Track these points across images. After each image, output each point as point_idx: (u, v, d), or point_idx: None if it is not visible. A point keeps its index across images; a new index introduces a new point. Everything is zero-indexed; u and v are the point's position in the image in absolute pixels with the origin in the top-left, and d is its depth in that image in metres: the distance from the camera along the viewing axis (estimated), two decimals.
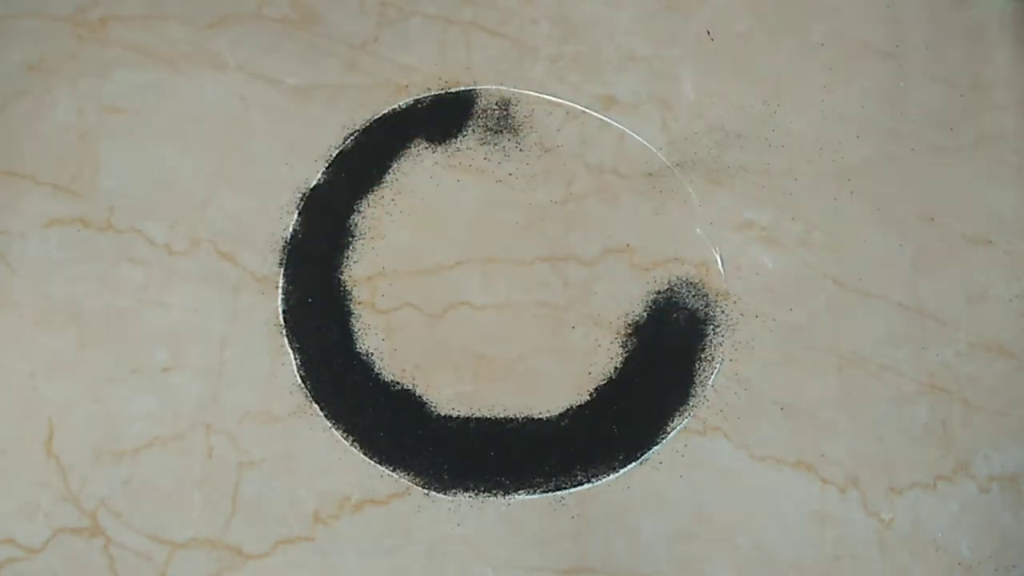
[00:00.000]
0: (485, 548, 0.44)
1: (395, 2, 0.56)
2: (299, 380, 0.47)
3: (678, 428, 0.47)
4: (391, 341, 0.48)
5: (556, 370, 0.48)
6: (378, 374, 0.48)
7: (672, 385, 0.48)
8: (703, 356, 0.48)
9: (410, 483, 0.45)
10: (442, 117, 0.53)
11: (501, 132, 0.53)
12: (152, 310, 0.49)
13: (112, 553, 0.44)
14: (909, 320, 0.49)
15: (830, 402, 0.47)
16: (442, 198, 0.52)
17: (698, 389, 0.48)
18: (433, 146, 0.53)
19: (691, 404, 0.47)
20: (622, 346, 0.48)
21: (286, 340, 0.48)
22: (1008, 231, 0.51)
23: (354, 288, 0.50)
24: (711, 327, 0.49)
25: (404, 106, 0.54)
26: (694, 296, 0.50)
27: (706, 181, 0.52)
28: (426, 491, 0.45)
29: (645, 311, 0.49)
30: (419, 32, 0.56)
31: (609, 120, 0.54)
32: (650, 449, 0.46)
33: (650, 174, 0.52)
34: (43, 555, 0.44)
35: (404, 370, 0.48)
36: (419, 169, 0.52)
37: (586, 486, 0.46)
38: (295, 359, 0.48)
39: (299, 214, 0.51)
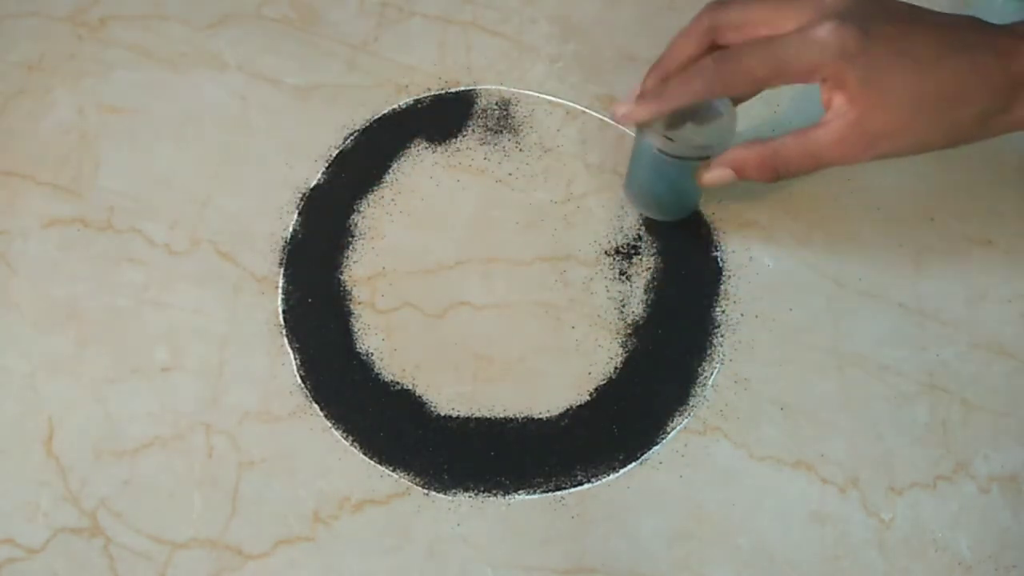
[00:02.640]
0: (485, 548, 0.44)
1: (395, 2, 0.56)
2: (299, 380, 0.47)
3: (678, 428, 0.47)
4: (391, 341, 0.48)
5: (556, 370, 0.48)
6: (378, 374, 0.48)
7: (672, 385, 0.48)
8: (703, 356, 0.48)
9: (410, 483, 0.45)
10: (442, 117, 0.54)
11: (501, 132, 0.53)
12: (152, 310, 0.49)
13: (112, 553, 0.44)
14: (909, 320, 0.49)
15: (830, 402, 0.47)
16: (442, 198, 0.52)
17: (698, 389, 0.48)
18: (433, 146, 0.53)
19: (691, 404, 0.47)
20: (622, 346, 0.48)
21: (286, 340, 0.48)
22: (1008, 231, 0.51)
23: (354, 288, 0.50)
24: (711, 327, 0.49)
25: (404, 106, 0.54)
26: None
27: None
28: (426, 491, 0.45)
29: (645, 311, 0.49)
30: (419, 32, 0.56)
31: (609, 120, 0.54)
32: (650, 449, 0.46)
33: None
34: (43, 555, 0.44)
35: (404, 370, 0.48)
36: (419, 169, 0.52)
37: (586, 486, 0.46)
38: (295, 359, 0.48)
39: (299, 214, 0.51)
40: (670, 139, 0.43)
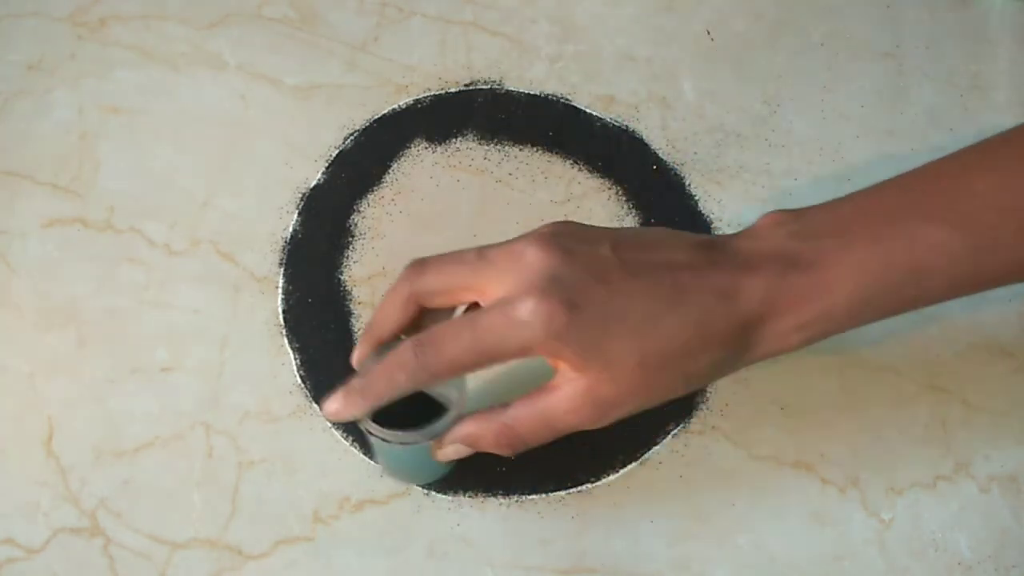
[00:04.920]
0: (485, 548, 0.44)
1: (395, 2, 0.56)
2: (299, 380, 0.47)
3: (678, 428, 0.47)
4: None
5: None
6: None
7: None
8: None
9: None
10: (442, 117, 0.53)
11: (501, 132, 0.53)
12: (152, 310, 0.49)
13: (112, 553, 0.44)
14: (909, 320, 0.49)
15: (830, 402, 0.47)
16: (442, 198, 0.52)
17: (698, 389, 0.47)
18: (433, 146, 0.53)
19: (691, 404, 0.47)
20: None
21: (286, 340, 0.48)
22: None
23: (354, 288, 0.50)
24: None
25: (404, 106, 0.54)
26: None
27: (706, 181, 0.52)
28: (426, 491, 0.45)
29: None
30: (419, 32, 0.56)
31: (609, 120, 0.54)
32: (650, 449, 0.46)
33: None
34: (43, 555, 0.44)
35: None
36: (419, 169, 0.52)
37: (586, 486, 0.46)
38: (295, 359, 0.48)
39: (299, 214, 0.51)
40: (383, 433, 0.38)
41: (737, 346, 0.36)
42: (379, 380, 0.36)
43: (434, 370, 0.35)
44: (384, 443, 0.38)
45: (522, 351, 0.35)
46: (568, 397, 0.36)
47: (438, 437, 0.38)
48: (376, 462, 0.45)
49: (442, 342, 0.35)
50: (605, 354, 0.34)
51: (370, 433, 0.38)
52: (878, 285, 0.36)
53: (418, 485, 0.46)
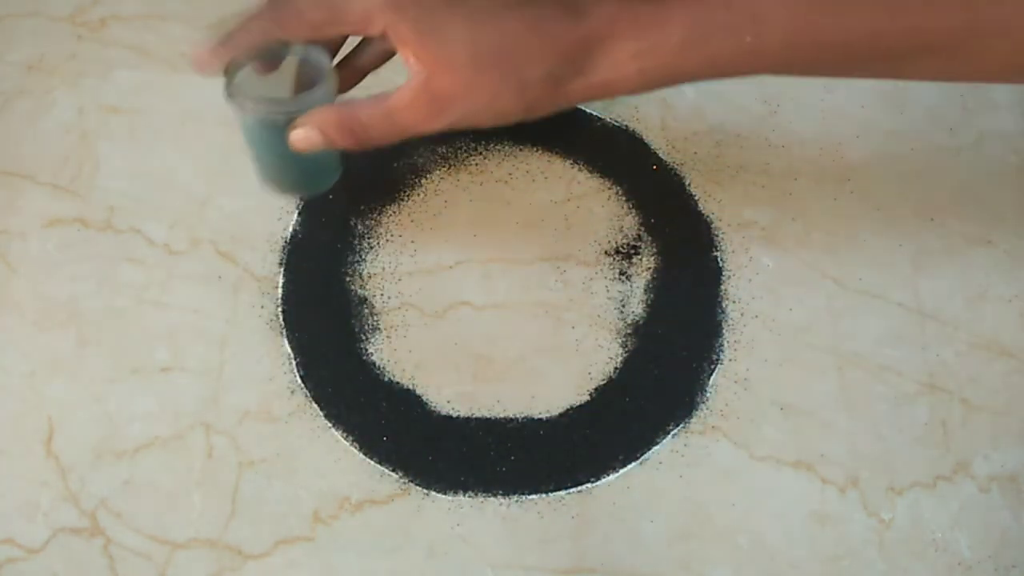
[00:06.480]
0: (485, 548, 0.44)
1: None
2: (299, 380, 0.47)
3: (678, 428, 0.47)
4: (391, 341, 0.48)
5: (556, 370, 0.48)
6: (378, 374, 0.48)
7: (672, 385, 0.48)
8: (703, 356, 0.48)
9: (410, 483, 0.45)
10: None
11: (501, 132, 0.53)
12: (152, 310, 0.49)
13: (112, 553, 0.44)
14: (909, 320, 0.49)
15: (830, 402, 0.47)
16: (442, 198, 0.52)
17: (698, 389, 0.48)
18: (433, 146, 0.53)
19: (691, 404, 0.47)
20: (622, 346, 0.48)
21: (286, 340, 0.48)
22: (1008, 231, 0.51)
23: (354, 288, 0.50)
24: (711, 327, 0.49)
25: None
26: None
27: (706, 181, 0.52)
28: (426, 491, 0.45)
29: (645, 311, 0.49)
30: None
31: (609, 120, 0.54)
32: (650, 449, 0.46)
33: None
34: (43, 555, 0.44)
35: (404, 370, 0.48)
36: (419, 169, 0.52)
37: (586, 486, 0.46)
38: (295, 359, 0.48)
39: (299, 214, 0.51)
40: (242, 100, 0.41)
41: (574, 62, 0.37)
42: (238, 33, 0.40)
43: (285, 22, 0.38)
44: (248, 124, 0.42)
45: (365, 17, 0.37)
46: (410, 91, 0.38)
47: (297, 115, 0.40)
48: (258, 173, 0.47)
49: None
50: (442, 38, 0.36)
51: (241, 108, 0.41)
52: (715, 24, 0.37)
53: (302, 192, 0.49)
